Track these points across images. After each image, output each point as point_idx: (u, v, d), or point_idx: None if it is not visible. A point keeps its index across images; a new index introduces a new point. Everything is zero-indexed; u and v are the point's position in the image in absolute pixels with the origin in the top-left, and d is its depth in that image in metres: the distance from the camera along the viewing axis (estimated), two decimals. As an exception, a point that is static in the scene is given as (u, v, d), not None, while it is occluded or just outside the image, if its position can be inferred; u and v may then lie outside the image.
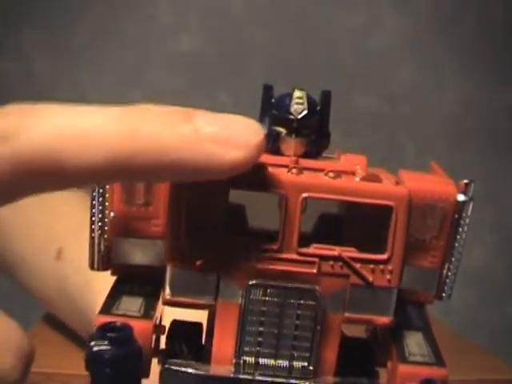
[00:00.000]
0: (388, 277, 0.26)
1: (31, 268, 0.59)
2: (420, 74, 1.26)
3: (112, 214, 0.28)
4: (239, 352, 0.26)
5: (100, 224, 0.28)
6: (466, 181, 0.28)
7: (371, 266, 0.26)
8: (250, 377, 0.26)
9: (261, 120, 0.28)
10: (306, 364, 0.26)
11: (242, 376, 0.26)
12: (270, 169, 0.26)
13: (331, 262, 0.26)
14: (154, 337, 0.27)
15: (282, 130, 0.28)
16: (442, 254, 0.28)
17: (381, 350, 0.29)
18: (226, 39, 1.22)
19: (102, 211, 0.28)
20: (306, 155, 0.28)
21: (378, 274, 0.26)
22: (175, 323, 0.29)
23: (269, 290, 0.26)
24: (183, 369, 0.27)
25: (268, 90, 0.28)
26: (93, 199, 0.28)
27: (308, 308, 0.26)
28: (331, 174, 0.26)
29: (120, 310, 0.27)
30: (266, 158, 0.26)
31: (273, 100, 0.28)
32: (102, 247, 0.28)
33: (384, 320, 0.27)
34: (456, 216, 0.28)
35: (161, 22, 1.22)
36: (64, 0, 1.20)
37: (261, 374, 0.26)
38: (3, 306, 0.29)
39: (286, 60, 1.21)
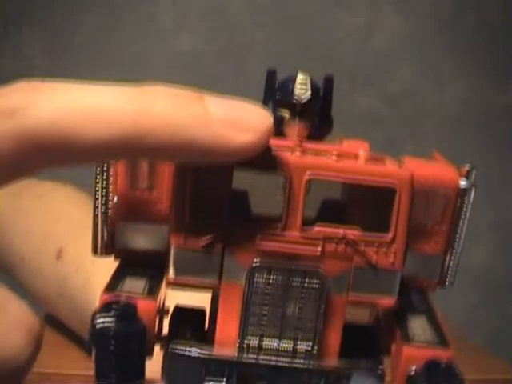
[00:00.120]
0: (392, 258, 0.26)
1: (31, 268, 0.59)
2: (420, 74, 1.26)
3: (116, 199, 0.28)
4: (243, 334, 0.26)
5: (104, 208, 0.28)
6: (467, 167, 0.28)
7: (375, 247, 0.26)
8: (253, 359, 0.26)
9: (264, 104, 0.28)
10: (309, 346, 0.26)
11: (245, 358, 0.26)
12: (274, 150, 0.26)
13: (335, 243, 0.26)
14: (157, 318, 0.27)
15: (286, 114, 0.28)
16: (445, 240, 0.28)
17: (384, 336, 0.29)
18: (226, 39, 1.22)
19: (105, 195, 0.28)
20: (310, 139, 0.28)
21: (381, 255, 0.26)
22: (178, 309, 0.29)
23: (273, 271, 0.26)
24: (187, 351, 0.27)
25: (271, 74, 0.29)
26: (96, 183, 0.28)
27: (312, 289, 0.26)
28: (335, 156, 0.26)
29: (124, 289, 0.27)
30: (270, 141, 0.26)
31: (276, 84, 0.28)
32: (106, 232, 0.28)
33: (388, 302, 0.27)
34: (458, 202, 0.28)
35: (161, 22, 1.22)
36: (64, 0, 1.21)
37: (265, 356, 0.26)
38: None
39: (285, 60, 1.21)
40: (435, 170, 0.28)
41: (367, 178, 0.26)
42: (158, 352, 0.27)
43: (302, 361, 0.26)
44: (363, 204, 0.28)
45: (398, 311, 0.28)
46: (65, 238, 0.56)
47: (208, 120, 0.23)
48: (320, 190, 0.27)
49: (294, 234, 0.26)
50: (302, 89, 0.28)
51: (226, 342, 0.26)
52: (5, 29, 1.18)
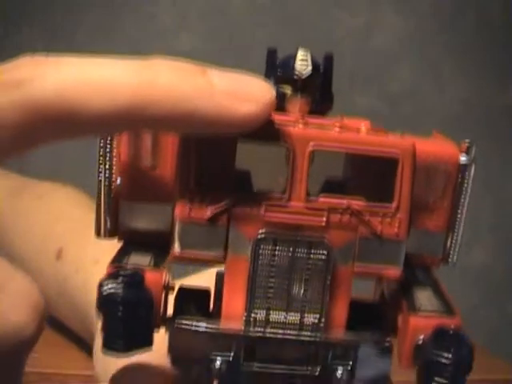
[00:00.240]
0: (396, 228, 0.26)
1: (31, 268, 0.59)
2: (420, 74, 1.26)
3: (119, 180, 0.28)
4: (250, 307, 0.26)
5: (107, 189, 0.28)
6: (467, 143, 0.28)
7: (379, 217, 0.26)
8: (260, 332, 0.26)
9: None
10: (316, 319, 0.26)
11: (252, 332, 0.26)
12: (277, 123, 0.26)
13: (339, 214, 0.26)
14: (163, 293, 0.27)
15: (288, 90, 0.28)
16: (447, 216, 0.28)
17: (390, 312, 0.28)
18: (226, 39, 1.22)
19: (108, 177, 0.28)
20: (311, 114, 0.28)
21: (386, 225, 0.26)
22: (182, 289, 0.29)
23: (278, 242, 0.26)
24: (193, 326, 0.26)
25: (272, 53, 0.29)
26: (100, 165, 0.28)
27: (318, 260, 0.26)
28: (337, 128, 0.26)
29: (130, 263, 0.27)
30: (273, 116, 0.26)
31: (277, 62, 0.28)
32: (109, 213, 0.28)
33: (393, 272, 0.27)
34: (459, 178, 0.28)
35: (161, 21, 1.22)
36: (64, 0, 1.20)
37: (272, 329, 0.26)
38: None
39: (285, 60, 1.21)
40: (435, 146, 0.28)
41: (370, 148, 0.26)
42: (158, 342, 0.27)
43: (309, 333, 0.26)
44: (366, 178, 0.28)
45: (403, 284, 0.28)
46: (65, 238, 0.56)
47: (211, 91, 0.23)
48: (322, 167, 0.27)
49: (299, 204, 0.26)
50: (302, 64, 0.28)
51: (233, 317, 0.26)
52: (5, 29, 1.18)
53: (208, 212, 0.26)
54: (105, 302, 0.25)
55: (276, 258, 0.26)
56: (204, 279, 0.30)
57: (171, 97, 0.23)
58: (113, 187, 0.28)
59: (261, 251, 0.26)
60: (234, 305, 0.26)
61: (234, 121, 0.24)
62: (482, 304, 1.28)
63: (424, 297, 0.28)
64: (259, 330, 0.26)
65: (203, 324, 0.27)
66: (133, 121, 0.24)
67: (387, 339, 0.27)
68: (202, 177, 0.26)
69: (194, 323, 0.27)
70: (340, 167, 0.30)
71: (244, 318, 0.26)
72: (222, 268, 0.27)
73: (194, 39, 1.22)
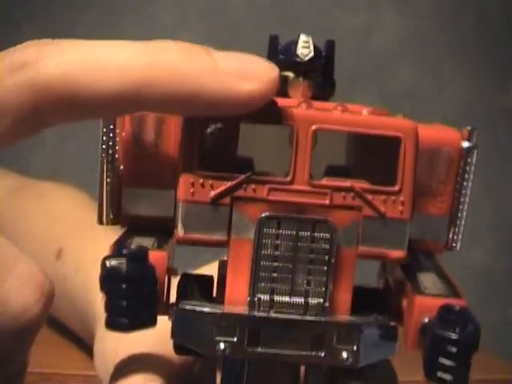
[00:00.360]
0: (400, 208, 0.26)
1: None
2: (420, 74, 1.26)
3: (122, 167, 0.28)
4: (254, 289, 0.26)
5: (110, 176, 0.28)
6: (468, 128, 0.28)
7: (383, 197, 0.26)
8: (265, 314, 0.26)
9: None
10: (321, 300, 0.26)
11: (257, 314, 0.26)
12: (280, 104, 0.26)
13: (343, 194, 0.26)
14: (167, 276, 0.27)
15: (290, 74, 0.28)
16: (450, 201, 0.28)
17: (395, 299, 0.28)
18: (226, 39, 1.22)
19: (111, 163, 0.28)
20: (314, 99, 0.28)
21: (389, 205, 0.26)
22: (185, 275, 0.29)
23: (282, 223, 0.26)
24: (197, 307, 0.26)
25: (274, 39, 0.29)
26: (103, 150, 0.28)
27: (322, 240, 0.26)
28: (340, 108, 0.26)
29: (134, 244, 0.27)
30: (276, 99, 0.26)
31: (279, 47, 0.29)
32: (111, 200, 0.28)
33: (398, 254, 0.27)
34: (461, 162, 0.28)
35: (161, 21, 1.22)
36: (64, -1, 1.20)
37: (276, 312, 0.26)
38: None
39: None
40: (438, 131, 0.29)
41: (372, 128, 0.26)
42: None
43: (314, 314, 0.26)
44: (368, 163, 0.28)
45: (407, 270, 0.28)
46: (65, 238, 0.56)
47: (215, 71, 0.24)
48: (325, 153, 0.27)
49: (302, 185, 0.26)
50: (304, 48, 0.28)
51: (237, 301, 0.26)
52: (4, 28, 1.18)
53: (211, 193, 0.26)
54: (108, 277, 0.25)
55: (280, 240, 0.26)
56: (208, 271, 0.30)
57: (176, 77, 0.23)
58: (115, 174, 0.28)
59: (264, 232, 0.26)
60: (238, 288, 0.26)
61: (239, 100, 0.24)
62: (481, 304, 1.27)
63: (429, 280, 0.28)
64: (263, 310, 0.26)
65: (207, 306, 0.26)
66: (138, 102, 0.24)
67: (392, 322, 0.27)
68: (205, 158, 0.26)
69: (198, 305, 0.27)
70: (342, 154, 0.30)
71: (248, 301, 0.26)
72: (224, 257, 0.27)
73: (194, 39, 1.21)
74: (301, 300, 0.26)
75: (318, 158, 0.26)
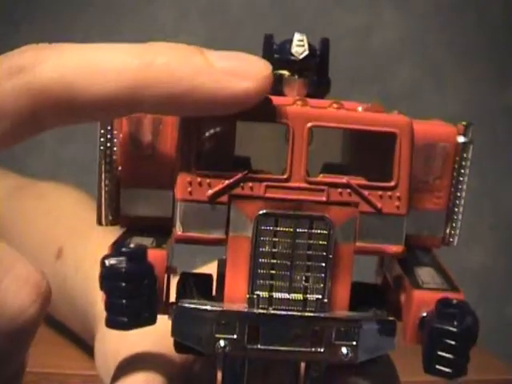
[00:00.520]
0: (396, 203, 0.26)
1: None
2: (420, 74, 1.26)
3: (120, 168, 0.28)
4: (252, 286, 0.26)
5: (108, 177, 0.28)
6: (464, 123, 0.29)
7: (379, 192, 0.26)
8: (264, 311, 0.26)
9: None
10: (320, 296, 0.26)
11: (256, 310, 0.26)
12: (276, 102, 0.26)
13: (340, 190, 0.26)
14: (166, 275, 0.27)
15: (285, 72, 0.28)
16: (447, 195, 0.29)
17: (393, 295, 0.28)
18: (226, 39, 1.22)
19: (109, 164, 0.28)
20: (309, 97, 0.28)
21: (386, 200, 0.26)
22: (185, 274, 0.29)
23: (279, 220, 0.26)
24: (197, 306, 0.26)
25: (269, 38, 0.29)
26: (101, 151, 0.28)
27: (319, 237, 0.26)
28: (335, 106, 0.27)
29: (133, 243, 0.27)
30: (272, 98, 0.26)
31: (274, 46, 0.29)
32: (110, 201, 0.28)
33: (395, 249, 0.27)
34: (457, 158, 0.28)
35: (161, 21, 1.22)
36: (64, -1, 1.20)
37: (275, 309, 0.26)
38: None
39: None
40: (433, 126, 0.29)
41: (368, 125, 0.26)
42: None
43: (313, 309, 0.26)
44: (364, 160, 0.28)
45: (405, 265, 0.28)
46: (65, 238, 0.56)
47: (209, 70, 0.24)
48: (321, 151, 0.28)
49: (299, 182, 0.26)
50: (299, 46, 0.28)
51: (236, 298, 0.26)
52: (4, 28, 1.18)
53: (209, 192, 0.26)
54: (107, 276, 0.25)
55: (277, 237, 0.26)
56: (207, 271, 0.30)
57: (170, 77, 0.24)
58: (114, 175, 0.28)
59: (262, 230, 0.26)
60: (237, 286, 0.26)
61: (234, 99, 0.24)
62: (480, 305, 1.28)
63: (426, 275, 0.28)
64: (263, 307, 0.26)
65: (207, 304, 0.27)
66: (134, 104, 0.24)
67: (391, 317, 0.27)
68: (202, 157, 0.26)
69: (198, 304, 0.27)
70: (338, 151, 0.30)
71: (247, 298, 0.26)
72: (223, 256, 0.27)
73: (194, 39, 1.22)
74: (299, 296, 0.26)
75: (314, 155, 0.26)
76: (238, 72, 0.24)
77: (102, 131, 0.28)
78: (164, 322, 0.27)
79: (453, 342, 0.25)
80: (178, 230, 0.26)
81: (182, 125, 0.26)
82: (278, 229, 0.26)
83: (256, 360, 0.27)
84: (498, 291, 1.29)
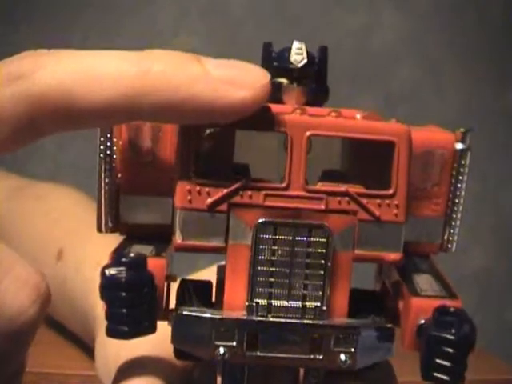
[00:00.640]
0: (395, 211, 0.26)
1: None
2: (420, 75, 1.26)
3: (119, 175, 0.28)
4: (252, 294, 0.26)
5: (108, 184, 0.28)
6: (462, 130, 0.29)
7: (378, 201, 0.26)
8: (263, 318, 0.26)
9: None
10: (318, 304, 0.26)
11: (255, 318, 0.26)
12: (274, 110, 0.26)
13: (338, 198, 0.26)
14: (165, 283, 0.27)
15: (284, 80, 0.28)
16: (445, 202, 0.29)
17: (392, 302, 0.29)
18: (226, 39, 1.22)
19: (109, 171, 0.28)
20: (308, 105, 0.28)
21: (384, 208, 0.26)
22: (184, 281, 0.29)
23: (278, 228, 0.26)
24: (197, 313, 0.27)
25: (267, 46, 0.29)
26: (100, 159, 0.28)
27: (318, 245, 0.26)
28: (333, 114, 0.27)
29: (132, 252, 0.27)
30: (270, 106, 0.26)
31: (273, 54, 0.29)
32: (110, 208, 0.28)
33: (394, 256, 0.27)
34: (455, 164, 0.28)
35: (161, 22, 1.22)
36: (63, -1, 1.20)
37: (274, 316, 0.26)
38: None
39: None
40: (431, 133, 0.29)
41: (366, 133, 0.26)
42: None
43: (311, 317, 0.26)
44: (363, 169, 0.28)
45: (403, 272, 0.28)
46: (65, 239, 0.56)
47: (206, 79, 0.24)
48: (320, 160, 0.28)
49: (298, 190, 0.26)
50: (298, 54, 0.29)
51: (235, 306, 0.27)
52: (3, 28, 1.18)
53: (208, 200, 0.26)
54: (108, 286, 0.26)
55: (276, 245, 0.26)
56: (207, 276, 0.30)
57: (167, 85, 0.24)
58: (113, 182, 0.28)
59: (261, 238, 0.26)
60: (236, 294, 0.27)
61: (232, 108, 0.24)
62: (480, 307, 1.28)
63: (425, 282, 0.28)
64: (262, 314, 0.26)
65: (206, 312, 0.27)
66: (132, 111, 0.24)
67: (389, 324, 0.27)
68: (201, 166, 0.26)
69: (197, 311, 0.27)
70: (337, 159, 0.30)
71: (246, 305, 0.26)
72: (222, 262, 0.27)
73: (194, 39, 1.22)
74: (298, 304, 0.26)
75: (313, 164, 0.26)
76: (236, 81, 0.24)
77: (102, 139, 0.28)
78: (164, 327, 0.27)
79: (450, 350, 0.25)
80: (178, 239, 0.26)
81: (182, 133, 0.26)
82: (277, 237, 0.26)
83: (255, 366, 0.27)
84: (500, 294, 1.29)
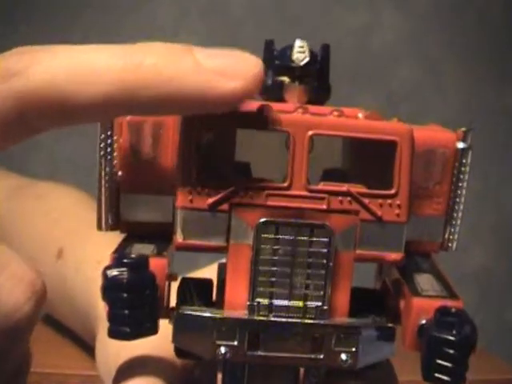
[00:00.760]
0: (396, 211, 0.26)
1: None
2: (420, 74, 1.26)
3: (120, 173, 0.28)
4: (253, 294, 0.26)
5: (108, 182, 0.28)
6: (463, 129, 0.29)
7: (379, 200, 0.26)
8: (264, 318, 0.26)
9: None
10: (320, 303, 0.26)
11: (256, 317, 0.26)
12: (276, 109, 0.26)
13: (340, 198, 0.26)
14: (167, 282, 0.27)
15: (286, 79, 0.28)
16: (446, 201, 0.29)
17: (392, 301, 0.29)
18: (226, 39, 1.22)
19: (109, 169, 0.28)
20: (310, 103, 0.28)
21: (386, 208, 0.26)
22: (185, 280, 0.29)
23: (280, 227, 0.26)
24: (198, 313, 0.27)
25: (269, 44, 0.29)
26: (101, 157, 0.28)
27: (320, 245, 0.26)
28: (336, 113, 0.27)
29: (133, 252, 0.27)
30: (272, 105, 0.26)
31: (275, 52, 0.29)
32: (110, 206, 0.28)
33: (395, 256, 0.27)
34: (457, 163, 0.28)
35: (161, 21, 1.22)
36: (63, -1, 1.20)
37: (275, 316, 0.26)
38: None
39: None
40: (433, 132, 0.29)
41: (368, 132, 0.26)
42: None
43: (312, 317, 0.26)
44: (365, 168, 0.28)
45: (404, 272, 0.28)
46: (65, 239, 0.56)
47: (198, 70, 0.24)
48: (322, 159, 0.28)
49: (300, 190, 0.26)
50: (300, 53, 0.28)
51: (236, 305, 0.26)
52: (2, 28, 1.18)
53: (209, 200, 0.26)
54: (110, 287, 0.25)
55: (278, 244, 0.26)
56: (208, 274, 0.30)
57: (158, 78, 0.24)
58: (114, 180, 0.28)
59: (263, 237, 0.26)
60: (237, 293, 0.27)
61: (222, 98, 0.24)
62: (481, 306, 1.28)
63: (426, 282, 0.28)
64: (263, 314, 0.26)
65: (207, 311, 0.27)
66: (125, 105, 0.24)
67: (390, 324, 0.27)
68: (202, 165, 0.26)
69: (198, 310, 0.27)
70: (339, 159, 0.30)
71: (247, 305, 0.26)
72: (223, 260, 0.27)
73: (194, 39, 1.22)
74: (299, 303, 0.26)
75: (315, 163, 0.26)
76: (227, 71, 0.24)
77: (102, 136, 0.28)
78: (165, 326, 0.27)
79: (451, 351, 0.25)
80: (179, 238, 0.26)
81: (183, 132, 0.26)
82: (279, 237, 0.26)
83: (256, 366, 0.27)
84: (500, 293, 1.29)
